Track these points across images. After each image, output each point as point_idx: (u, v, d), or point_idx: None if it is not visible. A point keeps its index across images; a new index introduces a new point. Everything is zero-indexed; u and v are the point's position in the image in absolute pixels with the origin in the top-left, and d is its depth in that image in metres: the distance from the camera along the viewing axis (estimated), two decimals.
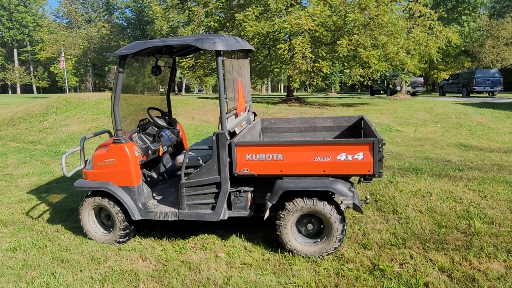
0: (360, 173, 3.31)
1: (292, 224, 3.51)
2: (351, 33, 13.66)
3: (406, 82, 21.70)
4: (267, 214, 3.61)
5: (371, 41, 13.53)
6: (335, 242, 3.40)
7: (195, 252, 3.73)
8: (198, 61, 17.92)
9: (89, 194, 3.98)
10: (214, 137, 3.46)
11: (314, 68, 14.08)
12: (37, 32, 49.64)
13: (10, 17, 51.57)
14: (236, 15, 14.86)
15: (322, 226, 3.51)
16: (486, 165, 6.30)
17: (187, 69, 18.79)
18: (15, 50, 53.81)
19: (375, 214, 4.42)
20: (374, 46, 13.68)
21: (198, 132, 10.16)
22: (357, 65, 14.34)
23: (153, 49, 4.10)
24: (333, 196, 3.53)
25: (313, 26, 13.32)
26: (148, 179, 4.27)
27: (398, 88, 22.86)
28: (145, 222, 4.00)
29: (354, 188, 3.53)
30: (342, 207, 3.73)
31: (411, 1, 17.52)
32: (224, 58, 3.49)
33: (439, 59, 17.85)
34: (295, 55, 13.51)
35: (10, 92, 53.06)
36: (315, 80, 15.09)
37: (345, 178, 3.44)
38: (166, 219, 3.71)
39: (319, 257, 3.45)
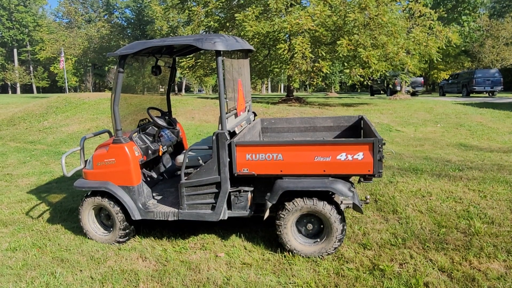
0: (360, 173, 3.31)
1: (292, 224, 3.51)
2: (351, 33, 13.67)
3: (406, 82, 21.70)
4: (267, 214, 3.61)
5: (371, 41, 13.53)
6: (335, 242, 3.40)
7: (195, 252, 3.73)
8: (198, 61, 17.92)
9: (89, 194, 3.98)
10: (214, 137, 3.46)
11: (314, 68, 14.08)
12: (37, 32, 49.65)
13: (10, 17, 51.56)
14: (236, 15, 14.86)
15: (322, 226, 3.51)
16: (486, 165, 6.30)
17: (187, 69, 18.79)
18: (15, 50, 53.81)
19: (375, 214, 4.42)
20: (374, 46, 13.69)
21: (198, 132, 10.16)
22: (357, 65, 14.34)
23: (153, 49, 4.10)
24: (333, 196, 3.53)
25: (313, 26, 13.32)
26: (148, 179, 4.27)
27: (398, 88, 22.86)
28: (145, 222, 4.00)
29: (354, 188, 3.53)
30: (342, 207, 3.73)
31: (411, 1, 17.52)
32: (224, 58, 3.49)
33: (439, 59, 17.85)
34: (295, 55, 13.51)
35: (10, 92, 53.05)
36: (315, 80, 15.09)
37: (345, 178, 3.44)
38: (166, 219, 3.71)
39: (319, 257, 3.45)
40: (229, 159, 3.46)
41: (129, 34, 49.72)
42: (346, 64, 15.24)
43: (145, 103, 4.68)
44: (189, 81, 47.16)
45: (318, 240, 3.50)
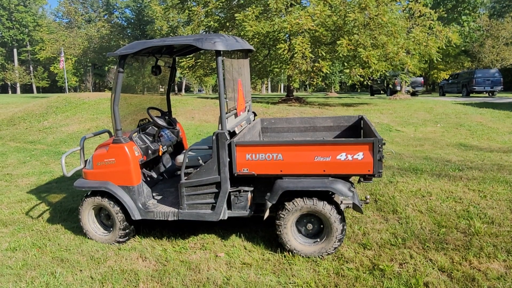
0: (360, 173, 3.31)
1: (292, 224, 3.51)
2: (351, 33, 13.67)
3: (406, 82, 21.70)
4: (267, 214, 3.61)
5: (371, 41, 13.54)
6: (335, 242, 3.40)
7: (195, 252, 3.73)
8: (198, 61, 17.92)
9: (89, 194, 3.98)
10: (214, 137, 3.46)
11: (314, 68, 14.08)
12: (37, 32, 49.64)
13: (10, 17, 51.55)
14: (236, 15, 14.87)
15: (322, 226, 3.51)
16: (486, 165, 6.30)
17: (187, 69, 18.79)
18: (15, 50, 53.80)
19: (375, 214, 4.42)
20: (374, 46, 13.69)
21: (198, 132, 10.16)
22: (357, 65, 14.34)
23: (153, 49, 4.10)
24: (333, 196, 3.53)
25: (313, 26, 13.32)
26: (148, 179, 4.27)
27: (398, 88, 22.87)
28: (145, 222, 4.00)
29: (354, 188, 3.53)
30: (342, 207, 3.73)
31: (411, 1, 17.52)
32: (224, 58, 3.49)
33: (439, 59, 17.85)
34: (295, 55, 13.51)
35: (10, 92, 53.05)
36: (315, 80, 15.09)
37: (345, 178, 3.44)
38: (166, 219, 3.71)
39: (319, 257, 3.45)
40: (229, 159, 3.46)
41: (129, 34, 49.72)
42: (346, 64, 15.24)
43: (145, 103, 4.68)
44: (189, 81, 47.17)
45: (318, 240, 3.50)
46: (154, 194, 4.15)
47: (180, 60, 17.32)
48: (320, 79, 15.70)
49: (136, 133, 4.06)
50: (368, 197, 3.94)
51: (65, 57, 36.60)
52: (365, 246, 3.65)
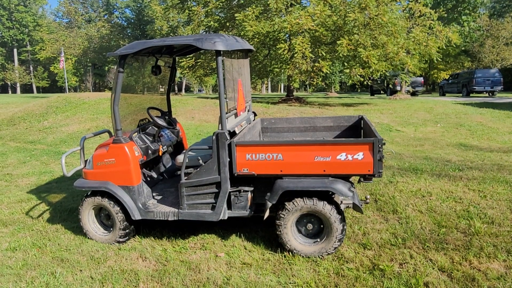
0: (360, 173, 3.31)
1: (292, 224, 3.51)
2: (351, 33, 13.67)
3: (406, 82, 21.71)
4: (267, 214, 3.61)
5: (371, 41, 13.54)
6: (335, 242, 3.40)
7: (195, 252, 3.73)
8: (198, 61, 17.92)
9: (89, 193, 3.98)
10: (214, 137, 3.46)
11: (314, 68, 14.09)
12: (37, 31, 49.65)
13: (10, 16, 51.55)
14: (236, 15, 14.87)
15: (322, 226, 3.51)
16: (486, 165, 6.30)
17: (187, 69, 18.79)
18: (15, 50, 53.80)
19: (375, 214, 4.42)
20: (374, 46, 13.69)
21: (198, 132, 10.16)
22: (357, 65, 14.35)
23: (153, 49, 4.10)
24: (333, 196, 3.53)
25: (313, 26, 13.32)
26: (148, 179, 4.27)
27: (398, 88, 22.87)
28: (145, 222, 4.00)
29: (354, 188, 3.53)
30: (342, 207, 3.73)
31: (411, 1, 17.53)
32: (224, 58, 3.49)
33: (439, 59, 17.85)
34: (295, 55, 13.51)
35: (10, 91, 53.05)
36: (315, 80, 15.09)
37: (345, 178, 3.44)
38: (166, 219, 3.71)
39: (319, 257, 3.45)
40: (229, 159, 3.46)
41: (129, 34, 49.72)
42: (346, 64, 15.25)
43: (145, 103, 4.68)
44: (189, 81, 47.17)
45: (318, 240, 3.50)
46: (154, 194, 4.15)
47: (180, 60, 17.32)
48: (320, 79, 15.71)
49: (136, 133, 4.06)
50: (368, 197, 3.94)
51: (65, 57, 36.60)
52: (365, 246, 3.65)
